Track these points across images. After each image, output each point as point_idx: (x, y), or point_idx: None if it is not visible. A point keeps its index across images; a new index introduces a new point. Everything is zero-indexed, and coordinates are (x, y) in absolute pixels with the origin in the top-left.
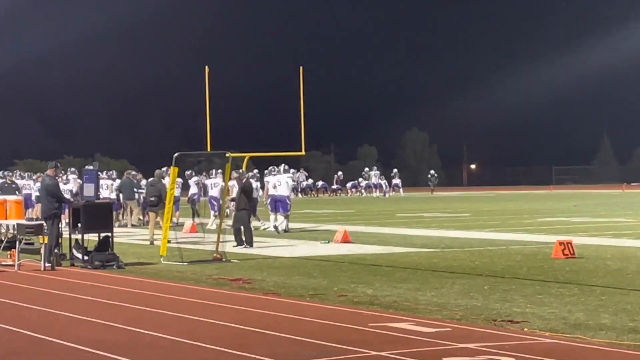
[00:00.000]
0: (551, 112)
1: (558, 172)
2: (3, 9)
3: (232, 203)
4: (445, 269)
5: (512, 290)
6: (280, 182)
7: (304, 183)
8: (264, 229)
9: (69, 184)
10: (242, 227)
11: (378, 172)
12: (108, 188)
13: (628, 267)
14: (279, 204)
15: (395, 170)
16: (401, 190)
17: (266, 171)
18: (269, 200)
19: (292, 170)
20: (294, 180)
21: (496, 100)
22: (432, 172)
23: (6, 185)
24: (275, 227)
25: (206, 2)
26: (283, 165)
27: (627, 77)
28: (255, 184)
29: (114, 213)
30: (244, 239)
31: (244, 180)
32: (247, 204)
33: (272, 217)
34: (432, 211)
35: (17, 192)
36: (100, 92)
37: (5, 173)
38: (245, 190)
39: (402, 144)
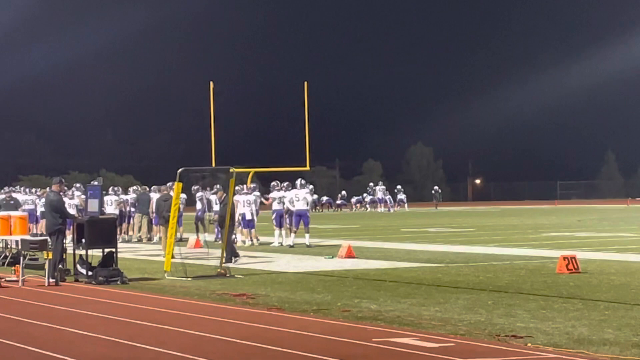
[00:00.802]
0: (556, 127)
1: (563, 187)
2: (7, 27)
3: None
4: (449, 284)
5: (515, 305)
6: (298, 197)
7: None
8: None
9: (75, 200)
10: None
11: (383, 187)
12: (112, 204)
13: (632, 282)
14: (298, 219)
15: (399, 186)
16: (406, 205)
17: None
18: (274, 215)
19: (310, 186)
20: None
21: (501, 115)
22: (436, 187)
23: (5, 201)
24: (281, 243)
25: (211, 18)
26: (300, 179)
27: (632, 92)
28: (250, 198)
29: (122, 226)
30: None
31: (222, 197)
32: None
33: (276, 232)
34: (436, 226)
35: (17, 208)
36: (105, 108)
37: (9, 189)
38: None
39: (407, 158)
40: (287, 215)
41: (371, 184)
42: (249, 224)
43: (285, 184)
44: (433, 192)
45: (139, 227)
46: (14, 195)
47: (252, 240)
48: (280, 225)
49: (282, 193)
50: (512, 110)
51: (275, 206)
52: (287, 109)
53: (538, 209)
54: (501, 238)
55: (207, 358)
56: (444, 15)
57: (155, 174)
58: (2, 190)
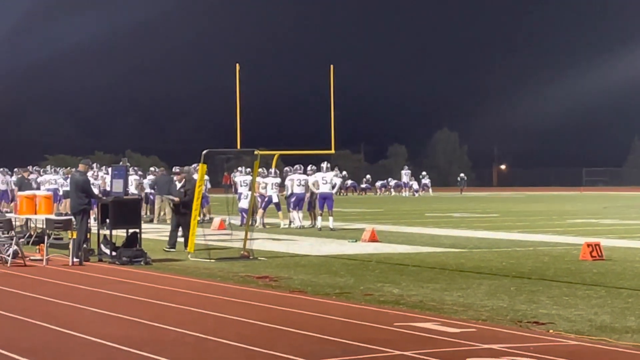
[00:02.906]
0: (582, 114)
1: (588, 173)
2: (34, 5)
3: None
4: (473, 270)
5: (538, 292)
6: (326, 180)
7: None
8: (284, 226)
9: (98, 180)
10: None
11: (409, 171)
12: (133, 184)
13: None
14: (322, 202)
15: (424, 172)
16: (430, 189)
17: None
18: (294, 198)
19: (344, 173)
20: (344, 178)
21: (527, 101)
22: (462, 175)
23: (26, 181)
24: (303, 226)
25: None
26: (326, 163)
27: None
28: (278, 180)
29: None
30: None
31: (183, 181)
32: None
33: (296, 215)
34: (461, 211)
35: (32, 187)
36: (132, 89)
37: (34, 168)
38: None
39: (432, 143)
40: (311, 198)
41: (405, 166)
42: (276, 207)
43: (309, 167)
44: (459, 179)
45: (159, 208)
46: (32, 175)
47: (288, 222)
48: (297, 208)
49: (303, 176)
50: (538, 97)
51: (296, 189)
52: (313, 92)
53: (563, 196)
54: (525, 224)
55: (229, 340)
56: (474, 7)
57: (180, 156)
58: (20, 170)
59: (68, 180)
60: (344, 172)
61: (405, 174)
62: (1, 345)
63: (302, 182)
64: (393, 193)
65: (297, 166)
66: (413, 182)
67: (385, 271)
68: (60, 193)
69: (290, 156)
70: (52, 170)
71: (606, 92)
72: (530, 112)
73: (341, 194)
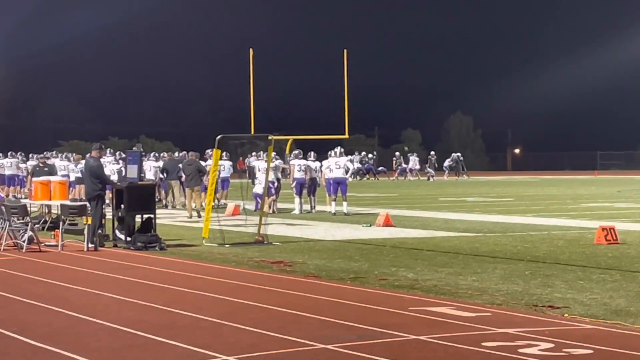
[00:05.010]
0: (596, 97)
1: (603, 157)
2: None
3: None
4: (487, 254)
5: (553, 276)
6: (339, 164)
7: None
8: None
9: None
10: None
11: (417, 158)
12: (151, 170)
13: None
14: (335, 187)
15: (432, 152)
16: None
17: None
18: (294, 183)
19: (368, 154)
20: (363, 162)
21: (541, 85)
22: (454, 154)
23: (37, 168)
24: (302, 210)
25: None
26: (339, 147)
27: None
28: (310, 164)
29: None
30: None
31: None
32: None
33: (296, 200)
34: (475, 195)
35: (52, 174)
36: (146, 74)
37: (52, 154)
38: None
39: (446, 128)
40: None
41: (432, 152)
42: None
43: (329, 152)
44: (450, 162)
45: (170, 192)
46: (49, 162)
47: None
48: (300, 194)
49: (303, 161)
50: (552, 81)
51: (296, 174)
52: (326, 76)
53: (577, 179)
54: (540, 208)
55: (244, 325)
56: None
57: (194, 141)
58: (36, 157)
59: (79, 167)
60: (370, 155)
61: (413, 160)
62: (17, 331)
63: (302, 167)
64: (410, 177)
65: (296, 151)
66: (427, 168)
67: (400, 256)
68: (72, 179)
69: (303, 141)
70: (59, 157)
71: (620, 75)
72: (544, 95)
73: (368, 176)
